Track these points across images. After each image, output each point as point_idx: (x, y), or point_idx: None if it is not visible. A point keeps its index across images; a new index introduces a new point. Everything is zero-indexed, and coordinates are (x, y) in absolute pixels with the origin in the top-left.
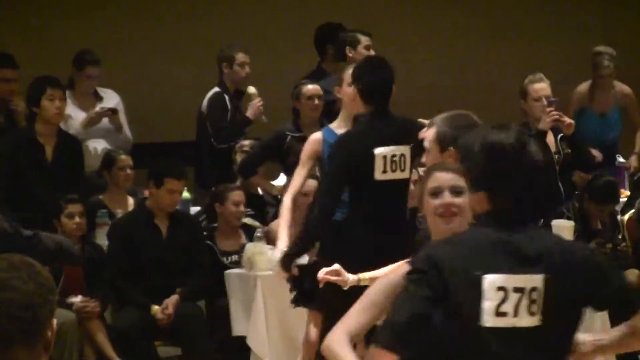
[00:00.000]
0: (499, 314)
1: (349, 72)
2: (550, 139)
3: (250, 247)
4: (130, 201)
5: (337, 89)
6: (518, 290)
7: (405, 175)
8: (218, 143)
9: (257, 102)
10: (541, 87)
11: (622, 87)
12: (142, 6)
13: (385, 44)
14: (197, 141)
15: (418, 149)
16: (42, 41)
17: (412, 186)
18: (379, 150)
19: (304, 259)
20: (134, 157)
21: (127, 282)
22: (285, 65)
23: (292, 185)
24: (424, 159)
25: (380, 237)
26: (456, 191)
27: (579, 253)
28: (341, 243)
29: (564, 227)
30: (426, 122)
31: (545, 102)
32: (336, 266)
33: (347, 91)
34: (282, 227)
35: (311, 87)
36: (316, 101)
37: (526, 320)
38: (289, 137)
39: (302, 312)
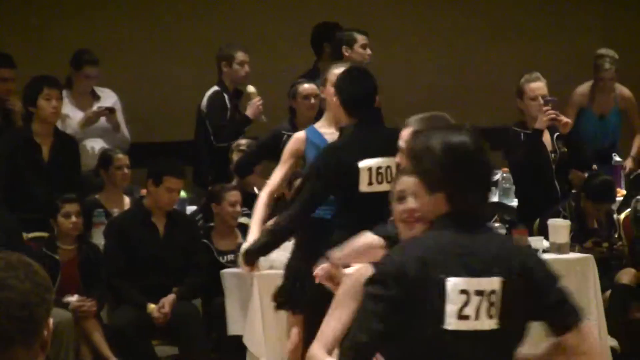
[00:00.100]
0: (462, 317)
1: (333, 72)
2: (546, 137)
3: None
4: (127, 200)
5: (321, 89)
6: (479, 293)
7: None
8: (218, 142)
9: (256, 102)
10: (538, 86)
11: (622, 90)
12: (142, 6)
13: (386, 44)
14: (196, 140)
15: None
16: (41, 41)
17: None
18: (363, 164)
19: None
20: (131, 157)
21: (123, 280)
22: (284, 65)
23: (270, 182)
24: (397, 159)
25: None
26: None
27: (532, 259)
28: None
29: (560, 226)
30: None
31: (541, 101)
32: (329, 268)
33: (330, 91)
34: (254, 222)
35: (307, 86)
36: (312, 100)
37: (486, 323)
38: (286, 136)
39: None
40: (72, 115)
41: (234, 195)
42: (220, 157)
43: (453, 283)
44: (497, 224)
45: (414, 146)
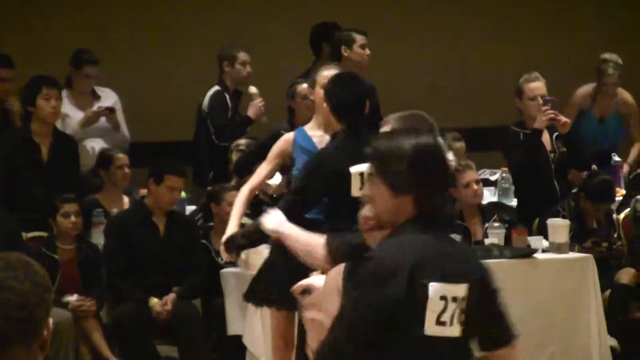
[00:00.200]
0: (439, 323)
1: (322, 74)
2: (545, 137)
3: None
4: (126, 200)
5: (309, 90)
6: (454, 299)
7: None
8: (220, 141)
9: (258, 102)
10: (537, 86)
11: (624, 96)
12: (142, 5)
13: (385, 43)
14: (195, 139)
15: None
16: (40, 41)
17: None
18: (355, 169)
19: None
20: (131, 156)
21: (123, 278)
22: (283, 65)
23: (252, 179)
24: None
25: None
26: None
27: (484, 266)
28: None
29: (559, 226)
30: None
31: (540, 101)
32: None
33: (319, 93)
34: (233, 216)
35: (306, 86)
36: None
37: (456, 330)
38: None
39: None
40: (72, 115)
41: (233, 196)
42: (220, 157)
43: (435, 289)
44: (496, 224)
45: (380, 147)
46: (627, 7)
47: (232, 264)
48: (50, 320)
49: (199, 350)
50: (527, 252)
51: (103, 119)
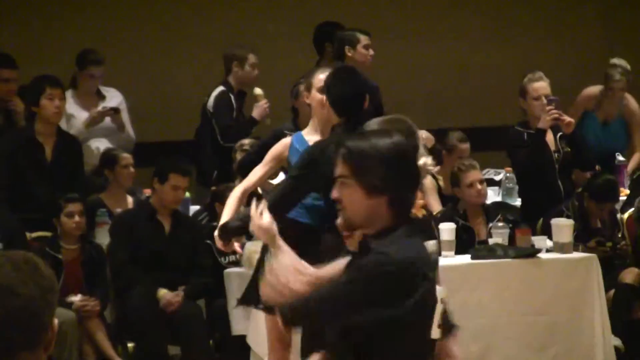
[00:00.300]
0: (439, 326)
1: (317, 77)
2: (549, 137)
3: (250, 246)
4: (130, 200)
5: (305, 94)
6: (443, 301)
7: None
8: (225, 141)
9: (263, 104)
10: (541, 85)
11: (630, 103)
12: (144, 6)
13: (387, 43)
14: (199, 139)
15: None
16: (43, 41)
17: None
18: None
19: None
20: (134, 156)
21: (129, 271)
22: (286, 65)
23: (247, 179)
24: None
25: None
26: None
27: None
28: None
29: (563, 226)
30: None
31: (544, 100)
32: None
33: (316, 97)
34: (225, 214)
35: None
36: None
37: (437, 332)
38: (288, 136)
39: None
40: (77, 115)
41: None
42: (224, 156)
43: (439, 291)
44: (500, 224)
45: (354, 148)
46: (628, 7)
47: (236, 263)
48: (56, 321)
49: (203, 350)
50: (531, 252)
51: (108, 119)
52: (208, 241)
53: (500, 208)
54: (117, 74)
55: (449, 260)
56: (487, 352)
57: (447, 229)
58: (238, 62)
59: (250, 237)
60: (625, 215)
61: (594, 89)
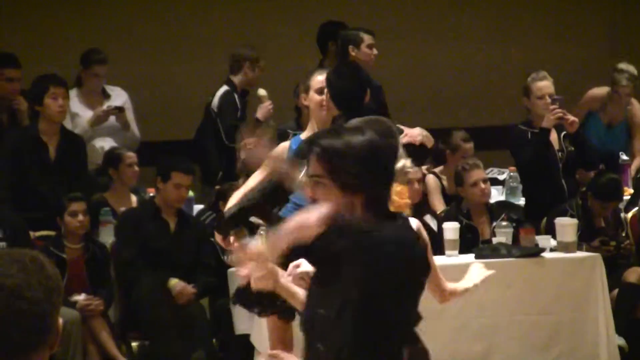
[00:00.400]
0: None
1: (315, 78)
2: (553, 136)
3: (254, 245)
4: (134, 199)
5: (303, 96)
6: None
7: None
8: (230, 141)
9: (267, 105)
10: (544, 85)
11: (635, 107)
12: (147, 5)
13: (389, 43)
14: (200, 138)
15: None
16: (46, 40)
17: (415, 185)
18: None
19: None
20: (138, 156)
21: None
22: (289, 64)
23: (247, 183)
24: None
25: None
26: None
27: None
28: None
29: (567, 225)
30: (405, 128)
31: (548, 100)
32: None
33: (314, 98)
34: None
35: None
36: None
37: None
38: (292, 135)
39: None
40: (82, 114)
41: None
42: (228, 156)
43: None
44: (504, 223)
45: (328, 146)
46: (629, 7)
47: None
48: (60, 321)
49: (206, 350)
50: (535, 251)
51: (113, 118)
52: (212, 239)
53: (504, 207)
54: (120, 73)
55: (452, 259)
56: (491, 352)
57: (450, 228)
58: (250, 63)
59: (252, 235)
60: (629, 215)
61: (600, 90)
